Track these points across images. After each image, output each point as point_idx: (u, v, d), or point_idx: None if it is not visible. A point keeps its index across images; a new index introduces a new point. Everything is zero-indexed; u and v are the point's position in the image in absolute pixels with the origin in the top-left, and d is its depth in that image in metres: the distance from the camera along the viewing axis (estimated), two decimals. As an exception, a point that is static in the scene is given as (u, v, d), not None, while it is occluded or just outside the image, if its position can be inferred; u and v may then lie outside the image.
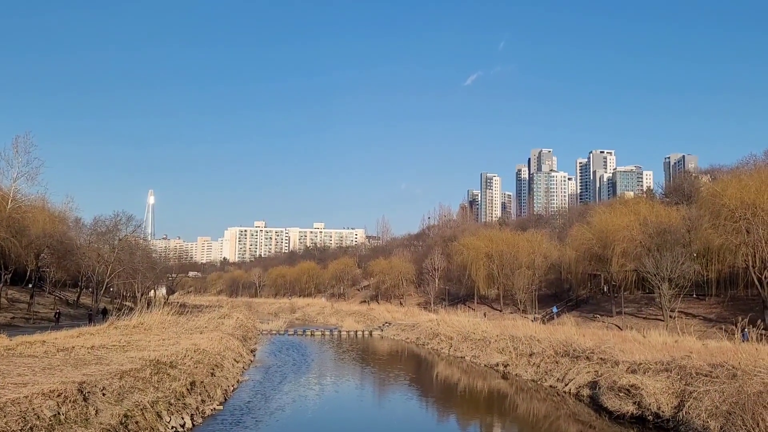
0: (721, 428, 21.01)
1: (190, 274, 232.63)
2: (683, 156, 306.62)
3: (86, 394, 18.66)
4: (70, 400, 17.39)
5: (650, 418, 25.28)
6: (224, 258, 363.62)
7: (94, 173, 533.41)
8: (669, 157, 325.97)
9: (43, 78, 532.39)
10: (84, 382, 19.40)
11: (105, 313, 66.83)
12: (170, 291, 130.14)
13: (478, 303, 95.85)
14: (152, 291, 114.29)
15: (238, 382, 34.89)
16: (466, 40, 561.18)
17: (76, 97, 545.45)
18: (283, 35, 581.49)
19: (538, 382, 37.65)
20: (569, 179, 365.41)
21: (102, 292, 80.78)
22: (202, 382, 28.24)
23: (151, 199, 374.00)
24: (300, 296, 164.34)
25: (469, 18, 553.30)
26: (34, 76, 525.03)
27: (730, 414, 21.04)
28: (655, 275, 59.00)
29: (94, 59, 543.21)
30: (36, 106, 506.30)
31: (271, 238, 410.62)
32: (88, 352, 29.06)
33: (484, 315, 79.82)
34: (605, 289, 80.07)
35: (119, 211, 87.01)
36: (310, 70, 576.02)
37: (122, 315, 47.58)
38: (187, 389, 25.72)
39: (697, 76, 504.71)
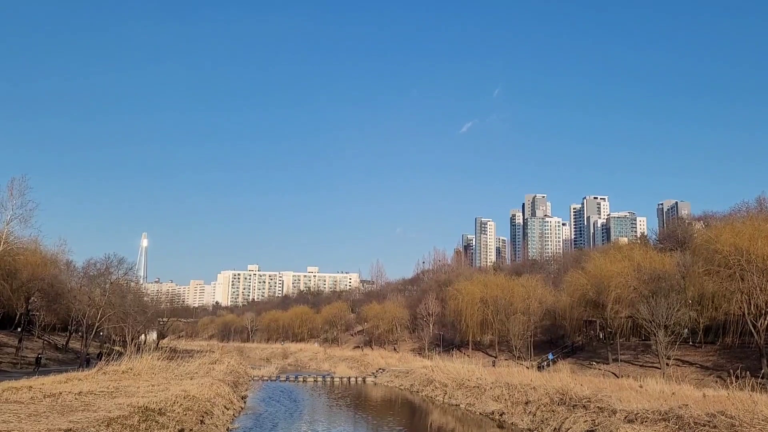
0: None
1: (182, 318, 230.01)
2: (676, 202, 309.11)
3: (71, 443, 18.20)
4: (54, 449, 16.94)
5: (649, 469, 24.78)
6: (216, 302, 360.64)
7: (88, 215, 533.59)
8: (662, 204, 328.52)
9: (40, 125, 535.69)
10: (70, 430, 18.94)
11: (100, 356, 65.76)
12: (161, 335, 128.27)
13: (472, 349, 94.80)
14: (143, 335, 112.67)
15: (228, 430, 34.12)
16: (461, 90, 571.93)
17: (72, 140, 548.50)
18: (280, 91, 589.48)
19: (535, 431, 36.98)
20: (563, 225, 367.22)
21: (92, 336, 79.65)
22: (191, 429, 27.61)
23: (145, 242, 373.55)
24: (293, 341, 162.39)
25: (465, 67, 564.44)
26: (31, 122, 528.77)
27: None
28: (650, 322, 58.66)
29: (93, 112, 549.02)
30: (31, 148, 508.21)
31: (264, 282, 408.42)
32: (76, 399, 28.44)
33: (482, 364, 78.95)
34: (601, 336, 79.46)
35: (111, 254, 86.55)
36: (307, 130, 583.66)
37: (112, 360, 46.83)
38: (176, 437, 25.13)
39: (688, 125, 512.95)
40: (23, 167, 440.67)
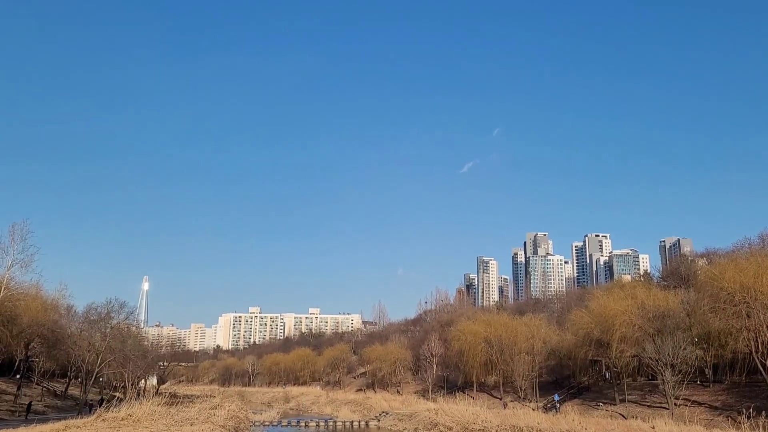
0: None
1: (182, 362, 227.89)
2: (678, 239, 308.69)
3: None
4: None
5: None
6: (218, 345, 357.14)
7: (89, 259, 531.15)
8: (664, 241, 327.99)
9: (41, 169, 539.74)
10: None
11: (101, 402, 64.82)
12: (161, 380, 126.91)
13: (477, 390, 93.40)
14: (143, 380, 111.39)
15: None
16: (461, 129, 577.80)
17: (73, 184, 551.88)
18: (281, 132, 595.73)
19: (543, 476, 36.12)
20: (566, 263, 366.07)
21: (91, 382, 78.66)
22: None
23: (146, 286, 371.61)
24: (295, 384, 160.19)
25: (465, 107, 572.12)
26: (32, 166, 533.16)
27: None
28: (656, 361, 57.91)
29: (94, 155, 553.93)
30: (32, 192, 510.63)
31: (266, 325, 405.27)
32: (74, 448, 27.94)
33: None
34: (607, 376, 78.32)
35: (112, 298, 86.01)
36: (309, 171, 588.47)
37: (112, 406, 46.13)
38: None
39: (687, 162, 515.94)
40: (24, 212, 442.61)
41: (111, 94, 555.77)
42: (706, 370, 63.95)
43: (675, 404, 57.00)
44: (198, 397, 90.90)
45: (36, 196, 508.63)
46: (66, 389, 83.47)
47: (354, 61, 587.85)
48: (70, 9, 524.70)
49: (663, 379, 57.72)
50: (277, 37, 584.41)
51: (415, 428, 67.29)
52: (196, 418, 48.67)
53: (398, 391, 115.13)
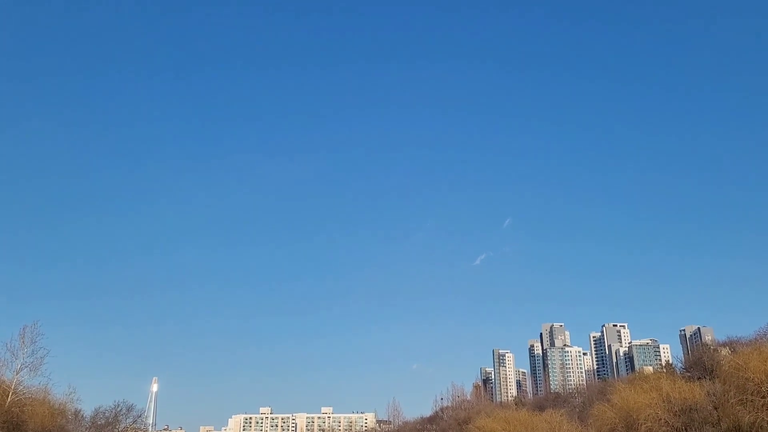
0: None
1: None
2: (698, 328, 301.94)
3: None
4: None
5: None
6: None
7: (98, 359, 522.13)
8: (684, 330, 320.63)
9: (52, 272, 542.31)
10: None
11: None
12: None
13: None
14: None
15: None
16: (472, 221, 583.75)
17: (83, 286, 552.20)
18: (294, 227, 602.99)
19: None
20: (584, 354, 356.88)
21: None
22: None
23: (155, 387, 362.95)
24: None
25: (475, 198, 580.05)
26: (43, 269, 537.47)
27: None
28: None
29: (104, 258, 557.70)
30: (42, 295, 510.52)
31: (277, 426, 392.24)
32: None
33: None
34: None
35: (120, 401, 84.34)
36: (322, 268, 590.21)
37: None
38: None
39: (702, 251, 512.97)
40: (34, 314, 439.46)
41: (122, 198, 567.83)
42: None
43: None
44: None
45: (47, 298, 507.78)
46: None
47: (366, 158, 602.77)
48: (90, 112, 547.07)
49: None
50: (290, 138, 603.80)
51: None
52: None
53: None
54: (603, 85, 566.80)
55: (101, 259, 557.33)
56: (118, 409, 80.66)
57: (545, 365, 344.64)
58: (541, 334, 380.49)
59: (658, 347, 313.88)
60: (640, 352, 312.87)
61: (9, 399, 59.47)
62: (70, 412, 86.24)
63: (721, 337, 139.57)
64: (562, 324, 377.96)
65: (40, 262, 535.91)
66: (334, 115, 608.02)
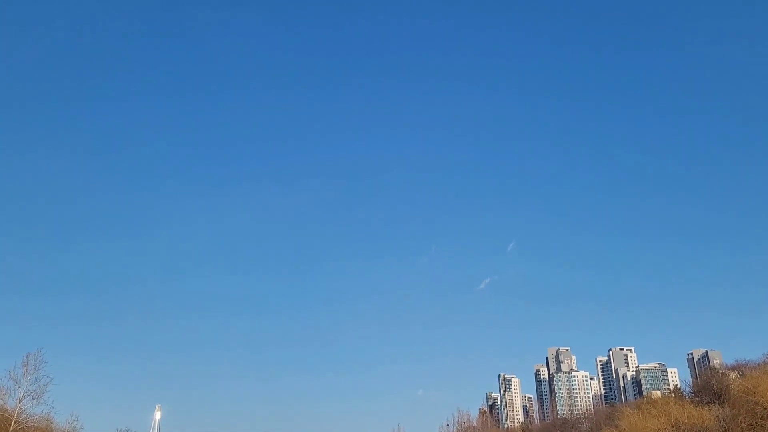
0: None
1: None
2: (706, 352, 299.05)
3: None
4: None
5: None
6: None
7: (101, 386, 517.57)
8: (692, 353, 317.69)
9: (55, 299, 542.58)
10: None
11: None
12: None
13: None
14: None
15: None
16: (476, 245, 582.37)
17: (86, 314, 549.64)
18: (298, 254, 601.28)
19: None
20: (591, 378, 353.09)
21: None
22: None
23: (158, 415, 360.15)
24: None
25: (479, 222, 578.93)
26: (47, 297, 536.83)
27: None
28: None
29: (106, 285, 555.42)
30: (44, 322, 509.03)
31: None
32: None
33: None
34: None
35: (123, 429, 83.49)
36: (324, 297, 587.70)
37: None
38: None
39: (707, 272, 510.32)
40: (37, 341, 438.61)
41: (126, 224, 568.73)
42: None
43: None
44: None
45: (50, 326, 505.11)
46: None
47: (368, 187, 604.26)
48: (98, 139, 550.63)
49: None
50: (295, 164, 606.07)
51: None
52: None
53: None
54: (609, 110, 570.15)
55: (106, 286, 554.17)
56: (121, 437, 79.71)
57: (552, 390, 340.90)
58: (547, 358, 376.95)
59: (666, 371, 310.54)
60: (647, 377, 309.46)
61: (11, 428, 59.00)
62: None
63: (730, 361, 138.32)
64: (569, 348, 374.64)
65: (43, 289, 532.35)
66: (339, 139, 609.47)
